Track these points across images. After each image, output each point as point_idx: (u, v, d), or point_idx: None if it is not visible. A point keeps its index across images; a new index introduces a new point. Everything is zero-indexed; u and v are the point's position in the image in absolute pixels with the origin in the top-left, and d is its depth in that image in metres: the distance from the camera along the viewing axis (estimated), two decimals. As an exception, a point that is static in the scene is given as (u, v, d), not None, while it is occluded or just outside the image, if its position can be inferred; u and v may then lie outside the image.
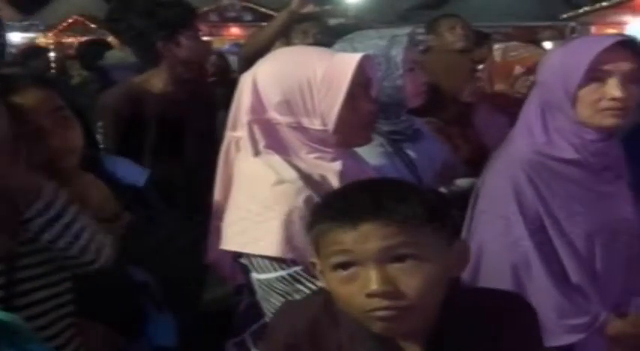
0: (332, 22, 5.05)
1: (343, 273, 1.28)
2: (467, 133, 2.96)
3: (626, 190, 2.12)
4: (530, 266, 1.99)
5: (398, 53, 2.34)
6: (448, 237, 1.35)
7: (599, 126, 1.99)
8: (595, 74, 1.93)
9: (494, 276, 2.02)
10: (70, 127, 1.86)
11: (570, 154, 2.01)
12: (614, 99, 1.92)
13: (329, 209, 1.32)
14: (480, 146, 2.80)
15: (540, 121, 2.04)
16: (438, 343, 1.35)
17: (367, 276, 1.25)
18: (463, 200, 2.24)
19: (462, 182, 2.49)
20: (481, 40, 4.78)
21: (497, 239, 2.02)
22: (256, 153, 1.81)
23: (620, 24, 21.62)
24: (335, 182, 1.81)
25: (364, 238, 1.25)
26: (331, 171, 1.83)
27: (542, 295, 1.98)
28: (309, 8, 3.66)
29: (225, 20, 23.81)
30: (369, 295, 1.25)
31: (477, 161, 2.28)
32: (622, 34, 2.14)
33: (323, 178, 1.80)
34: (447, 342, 1.35)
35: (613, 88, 1.91)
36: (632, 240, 2.13)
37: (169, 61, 3.18)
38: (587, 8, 22.51)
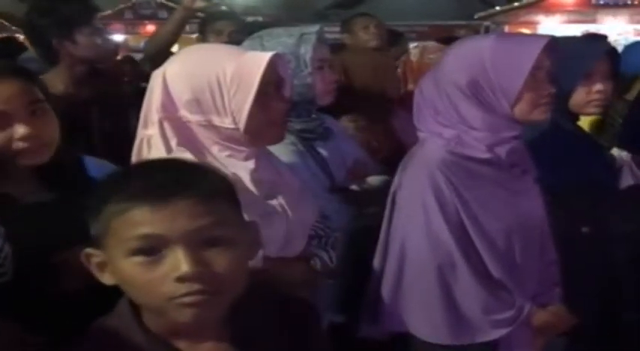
0: (248, 20, 5.00)
1: (145, 258, 1.15)
2: (388, 131, 2.96)
3: (534, 186, 2.17)
4: (454, 265, 2.01)
5: (307, 51, 2.33)
6: (243, 219, 1.30)
7: (536, 121, 2.09)
8: (531, 71, 1.99)
9: (419, 277, 2.05)
10: (46, 121, 1.75)
11: (482, 153, 2.03)
12: (549, 94, 2.03)
13: (125, 188, 1.17)
14: (401, 145, 2.80)
15: (455, 121, 2.05)
16: (241, 334, 1.29)
17: (176, 258, 1.14)
18: (377, 198, 2.24)
19: (374, 180, 2.48)
20: (395, 39, 4.84)
21: (420, 240, 2.03)
22: (168, 151, 1.75)
23: (533, 23, 22.30)
24: (247, 181, 1.79)
25: (172, 217, 1.14)
26: (244, 169, 1.80)
27: (468, 293, 2.03)
28: (199, 3, 3.58)
29: (141, 18, 23.55)
30: (179, 279, 1.14)
31: (397, 160, 2.26)
32: (544, 34, 2.22)
33: (235, 176, 1.76)
34: (247, 333, 1.30)
35: (548, 85, 2.03)
36: (542, 232, 2.20)
37: (67, 60, 3.07)
38: (500, 8, 23.11)
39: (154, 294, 1.16)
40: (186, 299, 1.14)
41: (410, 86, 3.35)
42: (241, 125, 1.74)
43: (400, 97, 3.17)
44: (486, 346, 2.06)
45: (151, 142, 1.80)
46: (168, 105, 1.78)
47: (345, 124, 2.81)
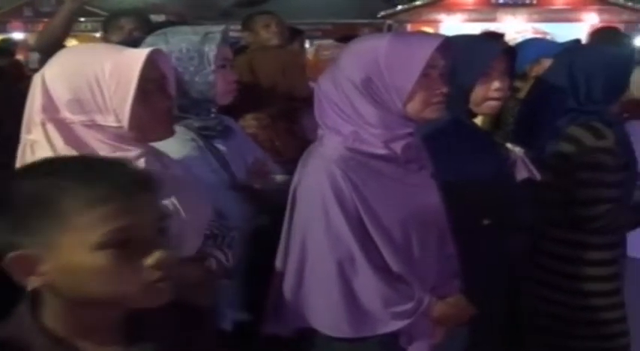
0: (152, 18, 4.93)
1: (116, 251, 1.19)
2: (294, 129, 2.97)
3: (430, 180, 2.22)
4: (354, 260, 2.04)
5: (211, 49, 2.31)
6: None
7: (428, 119, 2.13)
8: (424, 71, 2.03)
9: (320, 272, 2.07)
10: None
11: (379, 149, 2.07)
12: (442, 93, 2.07)
13: (79, 182, 1.20)
14: (307, 143, 2.81)
15: (352, 117, 2.08)
16: (137, 335, 1.33)
17: (148, 247, 1.21)
18: (279, 196, 2.25)
19: (277, 178, 2.49)
20: (293, 36, 4.86)
21: (320, 236, 2.05)
22: (55, 154, 1.71)
23: (435, 22, 22.74)
24: None
25: (141, 209, 1.21)
26: None
27: (368, 286, 2.06)
28: None
29: (40, 15, 22.85)
30: (155, 266, 1.21)
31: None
32: (439, 34, 2.26)
33: None
34: (142, 334, 1.34)
35: (441, 84, 2.07)
36: (440, 226, 2.25)
37: None
38: (402, 7, 23.45)
39: (127, 283, 1.21)
40: (161, 284, 1.23)
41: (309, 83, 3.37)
42: (125, 123, 1.73)
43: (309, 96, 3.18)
44: (387, 337, 2.10)
45: (34, 146, 1.76)
46: (50, 107, 1.75)
47: (249, 122, 2.81)
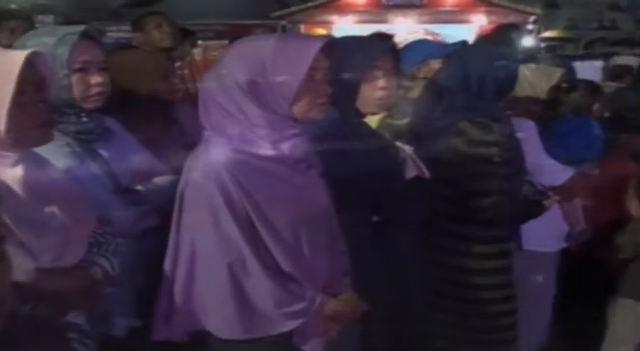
0: (40, 19, 4.79)
1: None
2: (170, 131, 2.93)
3: (319, 180, 2.23)
4: (244, 262, 2.04)
5: (64, 53, 2.25)
6: None
7: (314, 120, 2.14)
8: (309, 72, 2.04)
9: (210, 275, 2.06)
10: None
11: (266, 150, 2.07)
12: (326, 94, 2.12)
13: None
14: (186, 145, 2.77)
15: (238, 118, 2.07)
16: None
17: None
18: (164, 198, 2.22)
19: (159, 180, 2.45)
20: (185, 37, 4.81)
21: (209, 238, 2.04)
22: None
23: (328, 23, 22.92)
24: (16, 188, 1.70)
25: None
26: (12, 176, 1.72)
27: (259, 288, 2.06)
28: None
29: None
30: None
31: (182, 159, 2.24)
32: (324, 35, 2.27)
33: (2, 183, 1.68)
34: None
35: (325, 85, 2.11)
36: (329, 224, 2.28)
37: None
38: (295, 8, 23.56)
39: None
40: None
41: (198, 85, 3.34)
42: (1, 127, 1.67)
43: (186, 96, 3.15)
44: (281, 337, 2.11)
45: None
46: None
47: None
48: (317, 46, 2.05)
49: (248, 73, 2.04)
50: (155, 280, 2.15)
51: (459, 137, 2.89)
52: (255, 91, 2.04)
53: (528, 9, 23.76)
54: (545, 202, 3.19)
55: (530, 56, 4.40)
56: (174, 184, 2.20)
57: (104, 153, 2.33)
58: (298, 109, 2.08)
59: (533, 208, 3.16)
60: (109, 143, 2.38)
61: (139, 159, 2.45)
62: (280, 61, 2.03)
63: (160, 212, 2.25)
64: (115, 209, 2.21)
